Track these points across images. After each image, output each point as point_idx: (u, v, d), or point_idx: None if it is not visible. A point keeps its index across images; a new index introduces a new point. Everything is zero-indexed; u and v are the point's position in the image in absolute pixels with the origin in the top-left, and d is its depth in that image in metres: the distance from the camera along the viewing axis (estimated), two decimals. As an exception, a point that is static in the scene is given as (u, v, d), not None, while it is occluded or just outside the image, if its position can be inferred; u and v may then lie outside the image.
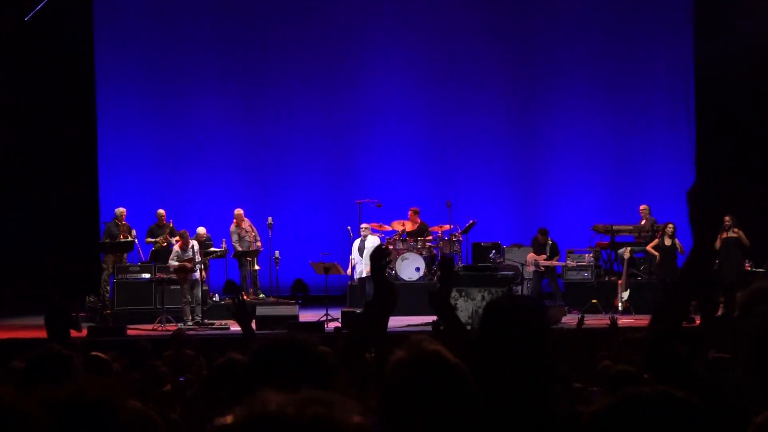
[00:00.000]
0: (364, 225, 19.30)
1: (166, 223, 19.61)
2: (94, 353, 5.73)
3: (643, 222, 20.36)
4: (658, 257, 18.93)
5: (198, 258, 17.76)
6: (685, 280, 3.43)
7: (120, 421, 2.36)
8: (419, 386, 2.61)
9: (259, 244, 19.94)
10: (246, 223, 20.03)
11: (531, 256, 19.35)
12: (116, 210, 19.67)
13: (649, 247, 19.33)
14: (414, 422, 2.59)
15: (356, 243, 19.18)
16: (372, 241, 18.92)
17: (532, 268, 19.25)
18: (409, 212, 20.53)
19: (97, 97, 22.39)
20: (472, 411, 2.64)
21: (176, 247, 17.93)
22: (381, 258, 3.99)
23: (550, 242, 19.39)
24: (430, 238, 20.30)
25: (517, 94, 23.32)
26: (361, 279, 18.79)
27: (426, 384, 2.61)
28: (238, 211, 20.08)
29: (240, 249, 19.75)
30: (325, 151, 23.27)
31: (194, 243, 18.02)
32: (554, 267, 19.34)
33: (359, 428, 1.41)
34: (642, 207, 20.58)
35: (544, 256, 19.24)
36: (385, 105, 23.21)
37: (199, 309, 17.67)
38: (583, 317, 12.14)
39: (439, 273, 4.13)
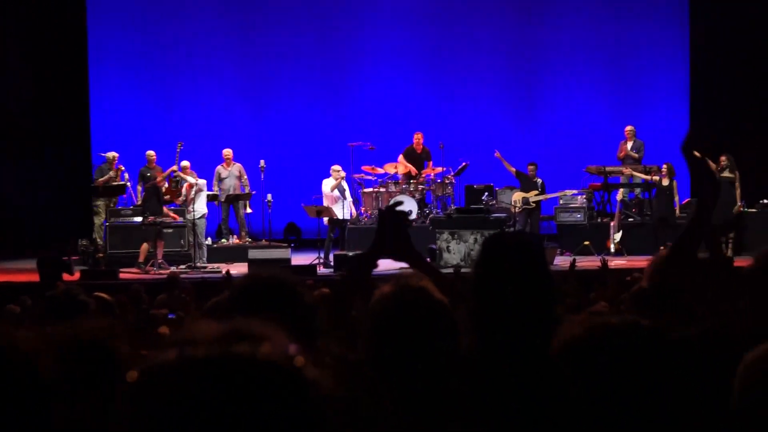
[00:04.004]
0: (335, 167, 18.76)
1: (156, 165, 19.55)
2: (97, 294, 5.72)
3: (630, 143, 20.31)
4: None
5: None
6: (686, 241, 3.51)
7: (116, 362, 2.36)
8: (402, 320, 2.61)
9: (247, 189, 19.90)
10: (235, 167, 19.98)
11: (518, 195, 19.28)
12: (107, 154, 19.63)
13: (626, 170, 19.48)
14: (396, 356, 2.58)
15: (329, 182, 18.69)
16: (345, 187, 18.71)
17: (519, 209, 19.14)
18: (416, 135, 20.50)
19: (89, 34, 22.15)
20: (453, 349, 2.64)
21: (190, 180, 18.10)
22: (395, 216, 3.81)
23: (540, 180, 19.34)
24: (422, 179, 20.29)
25: (514, 35, 23.20)
26: (337, 221, 18.29)
27: (409, 318, 2.61)
28: (227, 151, 20.01)
29: (221, 190, 19.74)
30: (317, 94, 23.19)
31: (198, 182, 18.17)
32: (539, 207, 19.27)
33: (287, 361, 1.39)
34: (627, 128, 20.51)
35: (534, 192, 19.18)
36: (377, 47, 23.09)
37: (201, 252, 17.94)
38: (575, 259, 12.16)
39: (389, 223, 3.74)
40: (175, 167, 18.24)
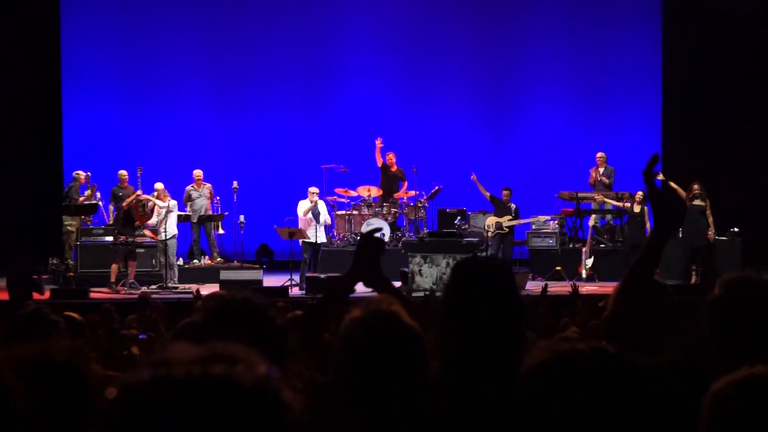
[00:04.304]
0: (312, 189, 18.87)
1: (128, 185, 19.49)
2: (67, 313, 5.70)
3: (601, 170, 20.41)
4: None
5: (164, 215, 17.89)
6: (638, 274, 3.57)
7: (85, 383, 2.35)
8: (372, 344, 2.61)
9: (209, 211, 19.88)
10: (206, 187, 19.97)
11: (491, 219, 19.40)
12: (75, 173, 19.63)
13: (598, 197, 19.60)
14: (366, 380, 2.59)
15: (304, 205, 18.80)
16: (323, 205, 18.85)
17: (492, 233, 19.25)
18: (388, 155, 20.57)
19: (62, 49, 22.09)
20: (422, 375, 2.64)
21: (157, 203, 17.98)
22: (372, 243, 3.83)
23: (513, 206, 19.49)
24: (398, 195, 20.37)
25: (487, 59, 23.29)
26: (310, 243, 18.52)
27: (379, 342, 2.61)
28: (197, 172, 20.00)
29: (191, 211, 19.70)
30: (290, 116, 23.19)
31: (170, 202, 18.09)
32: (513, 232, 19.38)
33: (262, 385, 1.40)
34: (599, 154, 20.61)
35: (508, 217, 19.30)
36: (351, 69, 23.15)
37: (173, 272, 17.87)
38: (546, 285, 12.20)
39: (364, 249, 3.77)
40: (139, 192, 18.16)
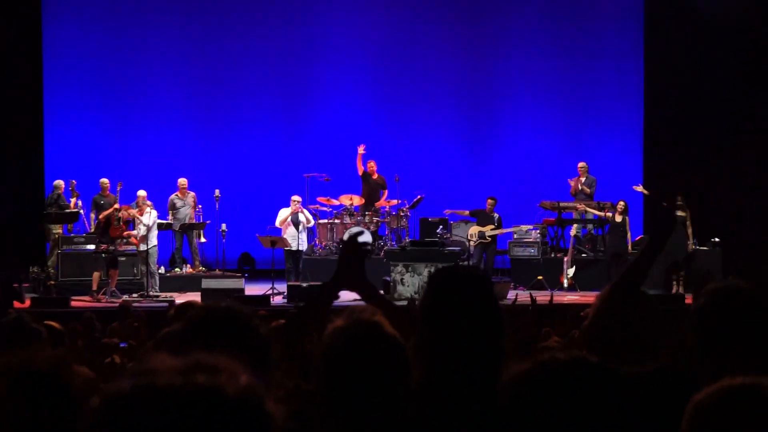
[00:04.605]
0: (295, 197, 19.06)
1: (110, 193, 19.44)
2: (47, 322, 5.67)
3: (583, 179, 20.45)
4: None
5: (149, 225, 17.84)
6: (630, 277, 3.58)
7: (69, 392, 2.35)
8: (354, 354, 2.61)
9: (192, 219, 19.85)
10: (190, 196, 19.93)
11: (474, 229, 19.42)
12: (54, 183, 19.60)
13: (580, 206, 19.64)
14: (347, 389, 2.59)
15: (284, 212, 18.92)
16: (307, 213, 18.90)
17: (474, 242, 19.27)
18: (369, 163, 20.59)
19: (44, 60, 22.07)
20: (405, 384, 2.64)
21: (138, 219, 17.92)
22: (354, 250, 3.84)
23: (497, 215, 19.52)
24: (380, 204, 20.39)
25: (469, 68, 23.32)
26: (292, 251, 18.68)
27: (361, 352, 2.60)
28: (182, 180, 19.96)
29: (175, 219, 19.66)
30: (273, 125, 23.17)
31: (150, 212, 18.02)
32: (495, 241, 19.41)
33: (245, 394, 1.40)
34: (580, 164, 20.64)
35: (491, 227, 19.33)
36: (333, 78, 23.14)
37: (154, 281, 17.81)
38: (532, 294, 12.20)
39: (347, 254, 3.73)
40: (117, 205, 18.11)
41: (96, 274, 17.58)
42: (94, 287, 17.47)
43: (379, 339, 2.63)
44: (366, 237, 18.86)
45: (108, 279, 17.60)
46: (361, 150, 20.61)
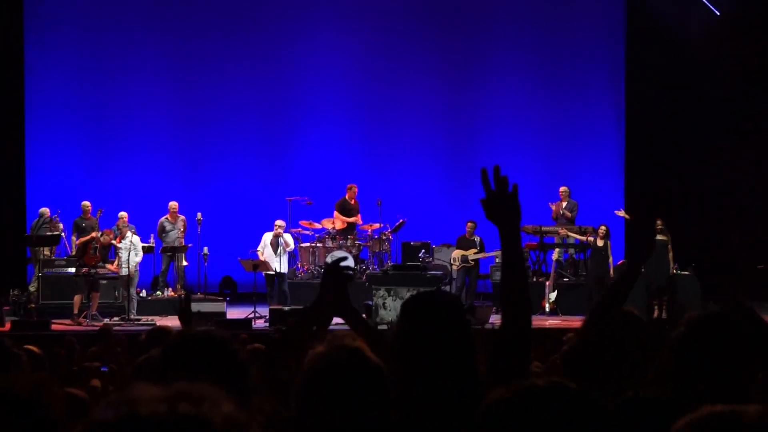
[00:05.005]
0: (278, 222, 19.11)
1: (91, 216, 19.38)
2: (27, 347, 5.64)
3: (564, 203, 20.49)
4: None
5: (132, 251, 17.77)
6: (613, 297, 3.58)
7: (50, 416, 2.34)
8: (335, 380, 2.59)
9: (181, 240, 19.81)
10: (180, 220, 19.89)
11: (457, 252, 19.40)
12: (40, 210, 19.55)
13: (562, 231, 19.66)
14: (327, 417, 2.58)
15: (267, 237, 18.95)
16: (289, 237, 18.91)
17: (457, 266, 19.25)
18: (350, 187, 20.63)
19: (25, 82, 22.06)
20: (386, 410, 2.64)
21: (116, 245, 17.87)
22: (337, 277, 3.85)
23: (478, 239, 19.50)
24: (353, 220, 20.41)
25: (450, 93, 23.40)
26: (271, 275, 18.69)
27: (342, 379, 2.59)
28: (173, 204, 19.92)
29: (165, 243, 19.64)
30: (255, 148, 23.16)
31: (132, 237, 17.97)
32: (478, 265, 19.40)
33: (229, 422, 1.40)
34: (562, 188, 20.67)
35: (474, 251, 19.32)
36: (316, 102, 23.17)
37: (133, 305, 17.74)
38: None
39: (329, 279, 3.75)
40: (95, 233, 18.01)
41: (77, 298, 17.49)
42: (75, 311, 17.39)
43: (361, 365, 2.63)
44: (349, 262, 18.87)
45: (89, 302, 17.51)
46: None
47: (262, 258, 18.63)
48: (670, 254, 18.59)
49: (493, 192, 3.25)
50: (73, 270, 18.05)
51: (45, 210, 19.53)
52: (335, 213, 20.56)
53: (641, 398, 3.10)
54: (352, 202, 20.74)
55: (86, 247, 17.64)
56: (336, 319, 3.75)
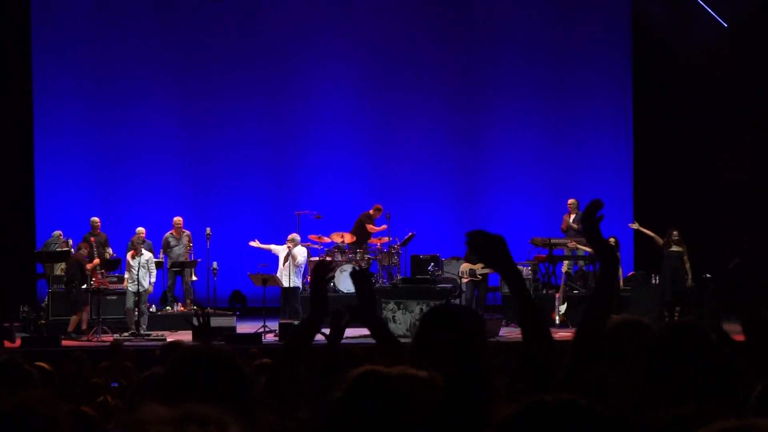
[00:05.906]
0: (291, 236, 19.10)
1: (100, 231, 19.42)
2: (38, 363, 5.65)
3: (573, 216, 20.44)
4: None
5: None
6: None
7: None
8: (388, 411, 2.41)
9: (187, 256, 19.85)
10: (185, 235, 19.92)
11: (465, 266, 19.33)
12: (54, 233, 19.69)
13: (571, 244, 19.62)
14: None
15: (281, 251, 18.99)
16: (300, 252, 18.86)
17: (466, 279, 19.20)
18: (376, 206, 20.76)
19: (34, 104, 22.14)
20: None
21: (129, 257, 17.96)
22: (323, 273, 3.89)
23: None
24: (373, 240, 20.47)
25: (458, 107, 23.41)
26: (284, 289, 18.69)
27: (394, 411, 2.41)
28: (177, 219, 19.96)
29: (170, 258, 19.67)
30: (264, 162, 23.19)
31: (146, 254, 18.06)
32: (487, 278, 19.32)
33: None
34: (570, 201, 20.61)
35: (482, 264, 19.24)
36: (325, 116, 23.18)
37: (144, 319, 17.79)
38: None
39: (356, 287, 3.75)
40: (97, 260, 18.15)
41: (84, 315, 17.62)
42: (71, 328, 17.48)
43: (413, 398, 2.45)
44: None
45: (98, 317, 17.55)
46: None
47: (282, 265, 18.64)
48: (687, 265, 18.57)
49: (479, 246, 3.35)
50: (83, 286, 18.09)
51: (58, 233, 19.71)
52: (368, 226, 20.62)
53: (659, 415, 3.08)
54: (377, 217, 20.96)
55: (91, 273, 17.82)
56: (349, 332, 3.75)
